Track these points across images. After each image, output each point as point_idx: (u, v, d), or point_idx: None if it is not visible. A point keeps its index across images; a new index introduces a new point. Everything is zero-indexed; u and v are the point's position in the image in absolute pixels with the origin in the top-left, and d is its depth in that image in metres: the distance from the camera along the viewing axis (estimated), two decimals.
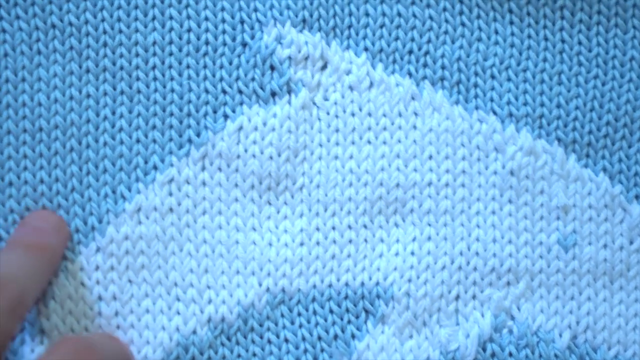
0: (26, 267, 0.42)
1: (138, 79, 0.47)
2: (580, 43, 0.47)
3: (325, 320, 0.46)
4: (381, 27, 0.47)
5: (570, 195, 0.47)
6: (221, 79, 0.47)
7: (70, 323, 0.46)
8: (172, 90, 0.47)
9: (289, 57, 0.47)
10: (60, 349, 0.41)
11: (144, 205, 0.46)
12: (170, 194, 0.46)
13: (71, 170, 0.46)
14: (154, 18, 0.46)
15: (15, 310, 0.40)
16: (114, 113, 0.46)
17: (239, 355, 0.46)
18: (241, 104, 0.47)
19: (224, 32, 0.47)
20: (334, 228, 0.47)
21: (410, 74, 0.47)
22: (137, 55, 0.47)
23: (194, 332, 0.46)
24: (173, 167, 0.47)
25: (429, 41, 0.47)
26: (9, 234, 0.46)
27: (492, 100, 0.47)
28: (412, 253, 0.47)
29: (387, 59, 0.47)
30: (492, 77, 0.47)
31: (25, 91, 0.46)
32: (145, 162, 0.47)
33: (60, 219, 0.46)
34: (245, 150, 0.47)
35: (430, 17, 0.47)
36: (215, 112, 0.47)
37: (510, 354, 0.46)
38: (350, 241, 0.47)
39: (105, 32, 0.46)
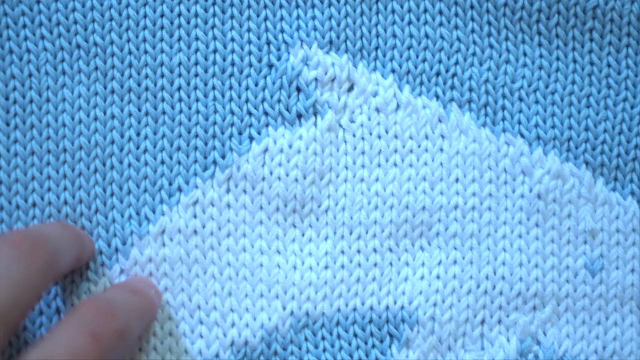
0: (62, 234, 0.43)
1: (163, 100, 0.46)
2: (609, 66, 0.47)
3: (350, 344, 0.46)
4: (409, 49, 0.47)
5: (598, 219, 0.47)
6: (247, 101, 0.46)
7: None
8: (198, 112, 0.46)
9: (316, 79, 0.46)
10: (80, 310, 0.40)
11: (168, 227, 0.46)
12: (195, 217, 0.46)
13: (95, 191, 0.46)
14: (179, 39, 0.46)
15: (48, 270, 0.40)
16: (138, 134, 0.46)
17: None
18: (267, 125, 0.46)
19: (250, 53, 0.46)
20: (359, 251, 0.46)
21: (437, 96, 0.47)
22: (162, 76, 0.46)
23: (217, 356, 0.46)
24: (198, 189, 0.46)
25: (456, 63, 0.47)
26: None
27: (520, 123, 0.47)
28: (438, 277, 0.46)
29: (414, 81, 0.47)
30: (520, 99, 0.47)
31: (49, 112, 0.46)
32: (170, 184, 0.46)
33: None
34: (271, 173, 0.46)
35: (459, 39, 0.47)
36: (240, 134, 0.46)
37: None
38: (375, 265, 0.46)
39: (130, 53, 0.46)
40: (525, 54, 0.47)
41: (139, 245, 0.46)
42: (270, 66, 0.46)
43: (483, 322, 0.46)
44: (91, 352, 0.38)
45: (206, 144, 0.46)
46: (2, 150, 0.46)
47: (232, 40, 0.46)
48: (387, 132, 0.47)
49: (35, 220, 0.46)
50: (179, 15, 0.46)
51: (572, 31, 0.47)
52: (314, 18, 0.46)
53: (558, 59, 0.47)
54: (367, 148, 0.47)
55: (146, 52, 0.46)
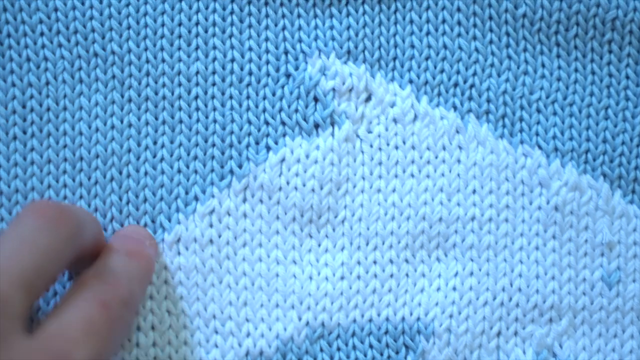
0: (82, 209, 0.43)
1: (180, 108, 0.46)
2: (627, 77, 0.47)
3: (365, 355, 0.46)
4: (426, 59, 0.46)
5: (615, 231, 0.47)
6: (264, 110, 0.46)
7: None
8: (215, 121, 0.46)
9: (333, 89, 0.46)
10: (87, 281, 0.41)
11: (183, 236, 0.46)
12: (211, 226, 0.46)
13: (111, 199, 0.46)
14: (197, 48, 0.46)
15: (73, 239, 0.40)
16: (155, 143, 0.46)
17: None
18: (284, 135, 0.46)
19: (267, 62, 0.46)
20: (375, 262, 0.46)
21: (455, 107, 0.47)
22: (179, 85, 0.46)
23: None
24: (214, 198, 0.46)
25: (474, 74, 0.47)
26: None
27: (537, 134, 0.47)
28: (454, 288, 0.46)
29: (432, 91, 0.47)
30: (538, 110, 0.47)
31: (66, 120, 0.46)
32: (186, 193, 0.46)
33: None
34: (287, 183, 0.46)
35: (477, 50, 0.46)
36: (257, 143, 0.46)
37: None
38: (391, 275, 0.46)
39: (148, 61, 0.46)
40: (543, 65, 0.47)
41: None
42: (288, 75, 0.46)
43: (499, 333, 0.46)
44: (103, 319, 0.39)
45: (223, 153, 0.46)
46: (19, 158, 0.46)
47: (250, 49, 0.46)
48: (404, 142, 0.47)
49: None
50: (197, 23, 0.46)
51: (590, 42, 0.47)
52: (332, 28, 0.46)
53: (576, 70, 0.47)
54: (384, 158, 0.46)
55: (163, 61, 0.46)
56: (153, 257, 0.45)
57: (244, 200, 0.46)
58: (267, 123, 0.46)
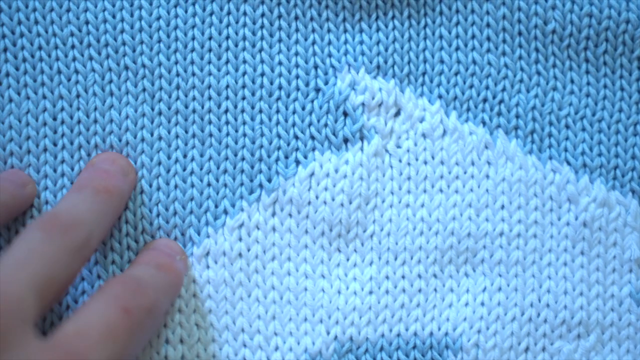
0: (94, 210, 0.42)
1: (210, 122, 0.46)
2: None
3: None
4: (456, 74, 0.47)
5: None
6: (294, 124, 0.47)
7: None
8: (244, 135, 0.46)
9: (363, 104, 0.46)
10: (110, 286, 0.40)
11: (212, 249, 0.46)
12: (240, 239, 0.46)
13: (141, 212, 0.46)
14: (227, 61, 0.46)
15: (81, 251, 0.40)
16: (185, 156, 0.46)
17: None
18: (313, 149, 0.47)
19: (297, 77, 0.46)
20: (403, 277, 0.46)
21: (484, 123, 0.47)
22: (209, 98, 0.46)
23: None
24: (243, 212, 0.46)
25: (503, 89, 0.47)
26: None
27: (566, 150, 0.47)
28: (482, 304, 0.46)
29: (461, 106, 0.47)
30: (567, 126, 0.47)
31: (97, 133, 0.46)
32: (216, 206, 0.46)
33: (127, 161, 0.45)
34: (316, 197, 0.46)
35: (506, 65, 0.47)
36: (287, 157, 0.47)
37: None
38: (419, 290, 0.46)
39: (178, 74, 0.46)
40: (572, 81, 0.47)
41: None
42: (317, 90, 0.47)
43: (527, 349, 0.46)
44: (123, 325, 0.38)
45: (252, 167, 0.46)
46: (49, 171, 0.46)
47: (280, 63, 0.46)
48: (433, 157, 0.47)
49: None
50: (227, 37, 0.46)
51: (619, 59, 0.47)
52: (361, 42, 0.47)
53: (605, 86, 0.47)
54: (412, 173, 0.47)
55: (194, 74, 0.46)
56: (182, 272, 0.45)
57: (273, 214, 0.46)
58: (296, 137, 0.47)
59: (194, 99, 0.46)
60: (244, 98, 0.47)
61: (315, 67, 0.47)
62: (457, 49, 0.47)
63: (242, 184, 0.46)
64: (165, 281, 0.43)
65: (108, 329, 0.38)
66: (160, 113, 0.46)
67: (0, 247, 0.46)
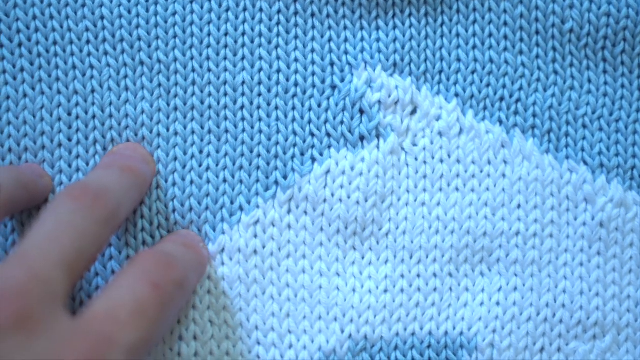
0: (122, 184, 0.42)
1: (226, 118, 0.46)
2: None
3: None
4: (473, 73, 0.46)
5: None
6: (310, 122, 0.46)
7: None
8: (260, 131, 0.46)
9: (379, 101, 0.46)
10: (140, 261, 0.40)
11: (227, 246, 0.46)
12: (255, 236, 0.46)
13: (157, 207, 0.46)
14: (243, 58, 0.46)
15: (109, 222, 0.40)
16: (201, 152, 0.46)
17: None
18: (329, 147, 0.46)
19: (313, 74, 0.46)
20: (418, 275, 0.46)
21: (500, 121, 0.46)
22: (225, 94, 0.46)
23: None
24: (259, 209, 0.46)
25: (520, 88, 0.46)
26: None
27: (583, 150, 0.46)
28: (498, 303, 0.46)
29: (477, 105, 0.46)
30: (584, 126, 0.46)
31: (112, 128, 0.46)
32: (232, 203, 0.46)
33: (147, 151, 0.46)
34: (332, 194, 0.46)
35: (523, 64, 0.46)
36: (302, 154, 0.46)
37: None
38: (435, 289, 0.46)
39: (194, 70, 0.46)
40: (589, 81, 0.46)
41: None
42: (334, 87, 0.46)
43: (542, 349, 0.46)
44: (153, 300, 0.38)
45: (268, 164, 0.46)
46: (64, 166, 0.46)
47: (296, 60, 0.46)
48: (449, 156, 0.46)
49: None
50: (243, 34, 0.46)
51: (637, 58, 0.46)
52: (378, 40, 0.46)
53: (623, 86, 0.47)
54: (428, 172, 0.46)
55: (209, 70, 0.46)
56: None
57: (289, 211, 0.46)
58: (312, 134, 0.46)
59: (209, 95, 0.46)
60: (260, 95, 0.46)
61: (332, 64, 0.46)
62: (474, 47, 0.46)
63: (257, 181, 0.46)
64: (193, 258, 0.43)
65: (138, 307, 0.37)
66: (176, 109, 0.46)
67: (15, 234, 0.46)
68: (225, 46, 0.46)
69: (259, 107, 0.46)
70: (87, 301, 0.45)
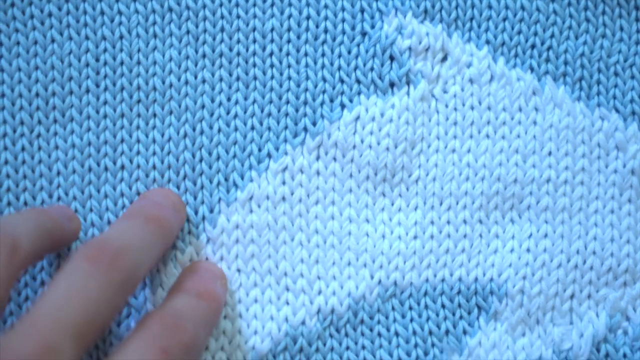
0: (143, 238, 0.41)
1: (255, 65, 0.46)
2: None
3: (437, 315, 0.46)
4: (504, 20, 0.46)
5: None
6: (339, 68, 0.46)
7: None
8: (289, 78, 0.46)
9: (409, 48, 0.46)
10: (148, 324, 0.40)
11: (256, 193, 0.46)
12: (284, 183, 0.46)
13: (184, 157, 0.46)
14: (272, 4, 0.46)
15: (126, 285, 0.39)
16: (229, 99, 0.46)
17: (347, 348, 0.46)
18: (359, 93, 0.46)
19: (343, 20, 0.46)
20: (448, 222, 0.46)
21: (532, 69, 0.46)
22: (254, 41, 0.46)
23: (303, 322, 0.46)
24: (287, 156, 0.46)
25: (552, 36, 0.46)
26: (116, 216, 0.46)
27: (614, 97, 0.46)
28: (528, 250, 0.46)
29: (508, 52, 0.46)
30: (616, 74, 0.46)
31: (140, 75, 0.46)
32: (259, 150, 0.46)
33: (179, 198, 0.45)
34: (362, 141, 0.46)
35: (555, 12, 0.46)
36: (332, 101, 0.46)
37: (625, 356, 0.46)
38: (464, 236, 0.46)
39: (222, 17, 0.46)
40: (621, 29, 0.46)
41: (226, 212, 0.46)
42: (364, 34, 0.46)
43: (572, 296, 0.46)
44: None
45: (297, 111, 0.46)
46: (92, 112, 0.46)
47: (326, 7, 0.46)
48: (480, 103, 0.46)
49: (123, 184, 0.46)
50: None
51: None
52: None
53: None
54: (459, 119, 0.46)
55: (238, 17, 0.46)
56: (223, 299, 0.44)
57: (317, 158, 0.46)
58: (342, 81, 0.46)
59: (238, 41, 0.46)
60: (289, 41, 0.46)
61: (362, 10, 0.46)
62: None
63: (286, 128, 0.46)
64: (205, 312, 0.42)
65: None
66: (204, 56, 0.46)
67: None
68: None
69: (288, 54, 0.46)
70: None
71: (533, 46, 0.46)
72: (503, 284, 0.46)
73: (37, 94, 0.46)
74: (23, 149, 0.46)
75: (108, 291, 0.38)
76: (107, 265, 0.38)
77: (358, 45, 0.46)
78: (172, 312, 0.41)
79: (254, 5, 0.46)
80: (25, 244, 0.39)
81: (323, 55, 0.46)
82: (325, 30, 0.46)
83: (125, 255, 0.39)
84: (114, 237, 0.40)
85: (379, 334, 0.46)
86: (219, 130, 0.46)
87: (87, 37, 0.46)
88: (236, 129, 0.46)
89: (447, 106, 0.46)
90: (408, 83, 0.46)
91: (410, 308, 0.46)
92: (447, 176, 0.46)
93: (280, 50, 0.46)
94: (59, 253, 0.45)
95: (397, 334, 0.46)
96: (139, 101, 0.46)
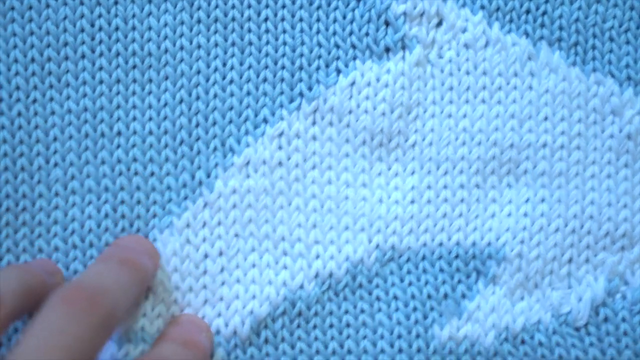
0: (119, 280, 0.40)
1: (250, 30, 0.46)
2: None
3: (436, 278, 0.45)
4: None
5: None
6: (334, 33, 0.46)
7: (176, 280, 0.45)
8: (285, 43, 0.46)
9: (404, 13, 0.46)
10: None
11: (252, 158, 0.46)
12: (280, 148, 0.46)
13: (180, 122, 0.46)
14: None
15: (104, 325, 0.38)
16: (224, 65, 0.46)
17: (346, 312, 0.45)
18: (354, 58, 0.46)
19: None
20: (445, 187, 0.46)
21: (527, 34, 0.46)
22: (249, 6, 0.46)
23: (302, 287, 0.45)
24: (283, 121, 0.46)
25: (547, 1, 0.46)
26: (114, 182, 0.45)
27: (610, 62, 0.46)
28: (525, 214, 0.46)
29: (503, 17, 0.46)
30: (611, 39, 0.46)
31: (135, 40, 0.46)
32: (256, 115, 0.46)
33: (152, 245, 0.45)
34: (358, 106, 0.46)
35: None
36: (327, 66, 0.46)
37: (624, 319, 0.45)
38: (462, 200, 0.46)
39: None
40: None
41: (223, 177, 0.46)
42: None
43: (570, 260, 0.46)
44: None
45: (292, 76, 0.46)
46: (88, 77, 0.46)
47: None
48: (475, 68, 0.46)
49: (120, 150, 0.45)
50: None
51: None
52: None
53: None
54: (455, 84, 0.46)
55: None
56: (208, 350, 0.44)
57: (314, 122, 0.46)
58: (337, 46, 0.46)
59: (233, 7, 0.46)
60: (284, 6, 0.46)
61: None
62: None
63: (282, 93, 0.46)
64: (191, 359, 0.42)
65: None
66: (199, 21, 0.46)
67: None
68: None
69: (283, 19, 0.46)
70: None
71: (528, 11, 0.46)
72: (501, 248, 0.46)
73: (33, 59, 0.45)
74: (19, 114, 0.45)
75: (88, 331, 0.37)
76: (85, 306, 0.38)
77: (353, 10, 0.46)
78: (159, 358, 0.41)
79: None
80: (8, 303, 0.39)
81: (318, 20, 0.46)
82: None
83: (103, 296, 0.38)
84: (90, 279, 0.40)
85: (378, 298, 0.45)
86: (215, 95, 0.46)
87: (81, 3, 0.46)
88: (232, 95, 0.46)
89: (442, 71, 0.46)
90: (403, 48, 0.46)
91: (409, 272, 0.45)
92: (444, 141, 0.46)
93: (275, 15, 0.46)
94: None
95: (395, 297, 0.45)
96: (134, 67, 0.46)
